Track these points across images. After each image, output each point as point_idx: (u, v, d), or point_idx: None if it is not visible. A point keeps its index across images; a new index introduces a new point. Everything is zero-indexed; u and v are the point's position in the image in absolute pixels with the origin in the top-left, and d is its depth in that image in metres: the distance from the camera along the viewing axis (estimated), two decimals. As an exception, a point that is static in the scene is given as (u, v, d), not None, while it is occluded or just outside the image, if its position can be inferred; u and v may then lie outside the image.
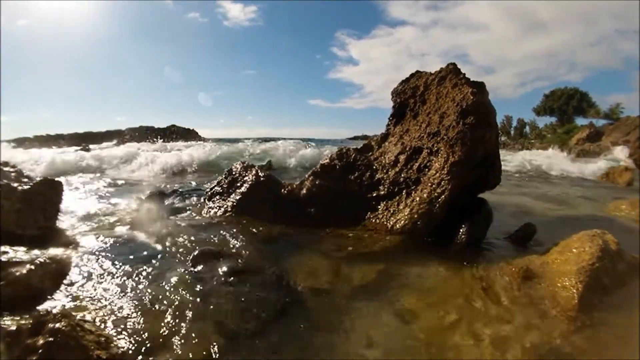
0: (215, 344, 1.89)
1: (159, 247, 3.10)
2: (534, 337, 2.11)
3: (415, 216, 3.41)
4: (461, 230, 3.35)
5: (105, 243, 3.14)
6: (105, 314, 2.08)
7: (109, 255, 2.87)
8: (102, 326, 1.92)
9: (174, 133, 15.38)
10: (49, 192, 3.44)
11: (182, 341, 1.90)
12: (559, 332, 2.15)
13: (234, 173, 4.83)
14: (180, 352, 1.82)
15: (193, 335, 1.95)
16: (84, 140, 25.82)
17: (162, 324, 2.02)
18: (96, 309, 2.13)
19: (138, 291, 2.35)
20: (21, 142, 20.65)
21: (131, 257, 2.85)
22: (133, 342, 1.86)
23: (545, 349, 2.02)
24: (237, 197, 4.27)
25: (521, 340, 2.08)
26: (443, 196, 3.33)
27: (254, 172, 4.61)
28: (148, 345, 1.85)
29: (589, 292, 2.40)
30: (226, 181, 4.78)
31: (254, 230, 3.62)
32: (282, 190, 4.32)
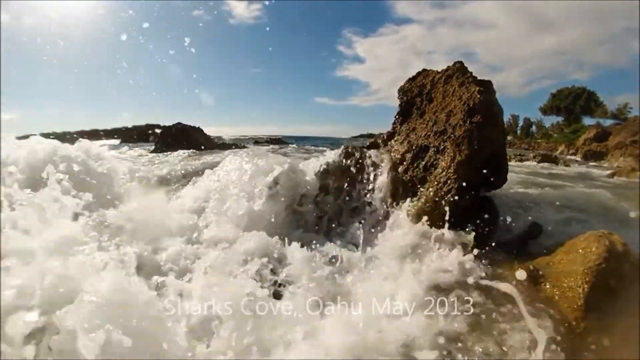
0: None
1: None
2: (540, 337, 2.10)
3: (422, 215, 3.40)
4: (467, 229, 3.33)
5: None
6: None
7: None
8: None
9: (180, 131, 15.33)
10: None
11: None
12: (564, 333, 2.14)
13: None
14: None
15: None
16: (90, 137, 25.95)
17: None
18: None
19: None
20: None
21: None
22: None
23: (550, 349, 2.02)
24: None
25: (526, 340, 2.08)
26: (449, 195, 3.32)
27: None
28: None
29: (594, 292, 2.38)
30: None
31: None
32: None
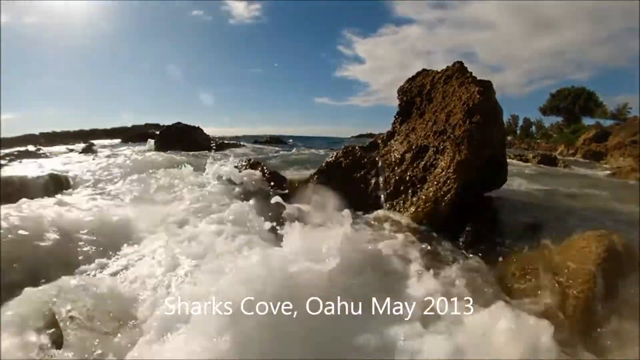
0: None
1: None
2: (539, 336, 2.10)
3: (421, 215, 3.41)
4: (467, 229, 3.34)
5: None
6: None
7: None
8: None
9: (180, 131, 15.30)
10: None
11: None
12: (562, 332, 2.14)
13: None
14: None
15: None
16: (90, 137, 25.91)
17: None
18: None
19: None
20: (28, 140, 20.74)
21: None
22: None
23: (549, 349, 2.02)
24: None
25: (525, 340, 2.08)
26: (449, 195, 3.32)
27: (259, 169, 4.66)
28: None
29: (594, 292, 2.38)
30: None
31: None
32: (288, 188, 4.36)
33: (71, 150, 14.71)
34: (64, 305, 2.10)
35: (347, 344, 1.93)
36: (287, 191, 4.37)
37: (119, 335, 2.03)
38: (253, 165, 4.89)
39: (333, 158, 4.47)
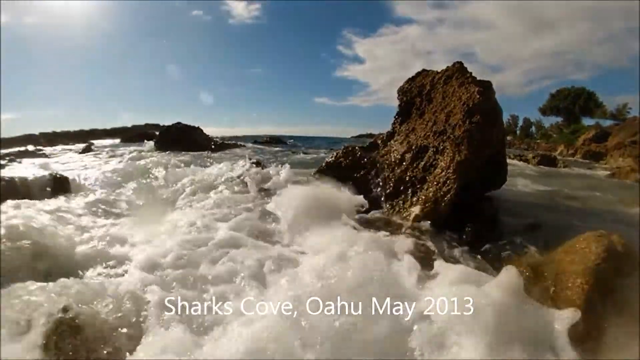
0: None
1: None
2: (538, 337, 2.10)
3: (421, 215, 3.40)
4: (467, 229, 3.34)
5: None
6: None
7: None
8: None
9: (180, 131, 15.29)
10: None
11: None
12: (562, 333, 2.14)
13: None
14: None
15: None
16: (90, 137, 25.90)
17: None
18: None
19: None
20: (29, 140, 20.74)
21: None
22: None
23: (549, 349, 2.02)
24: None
25: (524, 340, 2.08)
26: (449, 195, 3.32)
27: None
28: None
29: (594, 292, 2.38)
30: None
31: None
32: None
33: (71, 150, 14.77)
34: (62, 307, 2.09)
35: (347, 344, 1.93)
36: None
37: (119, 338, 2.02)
38: (255, 165, 4.92)
39: (333, 158, 4.48)
